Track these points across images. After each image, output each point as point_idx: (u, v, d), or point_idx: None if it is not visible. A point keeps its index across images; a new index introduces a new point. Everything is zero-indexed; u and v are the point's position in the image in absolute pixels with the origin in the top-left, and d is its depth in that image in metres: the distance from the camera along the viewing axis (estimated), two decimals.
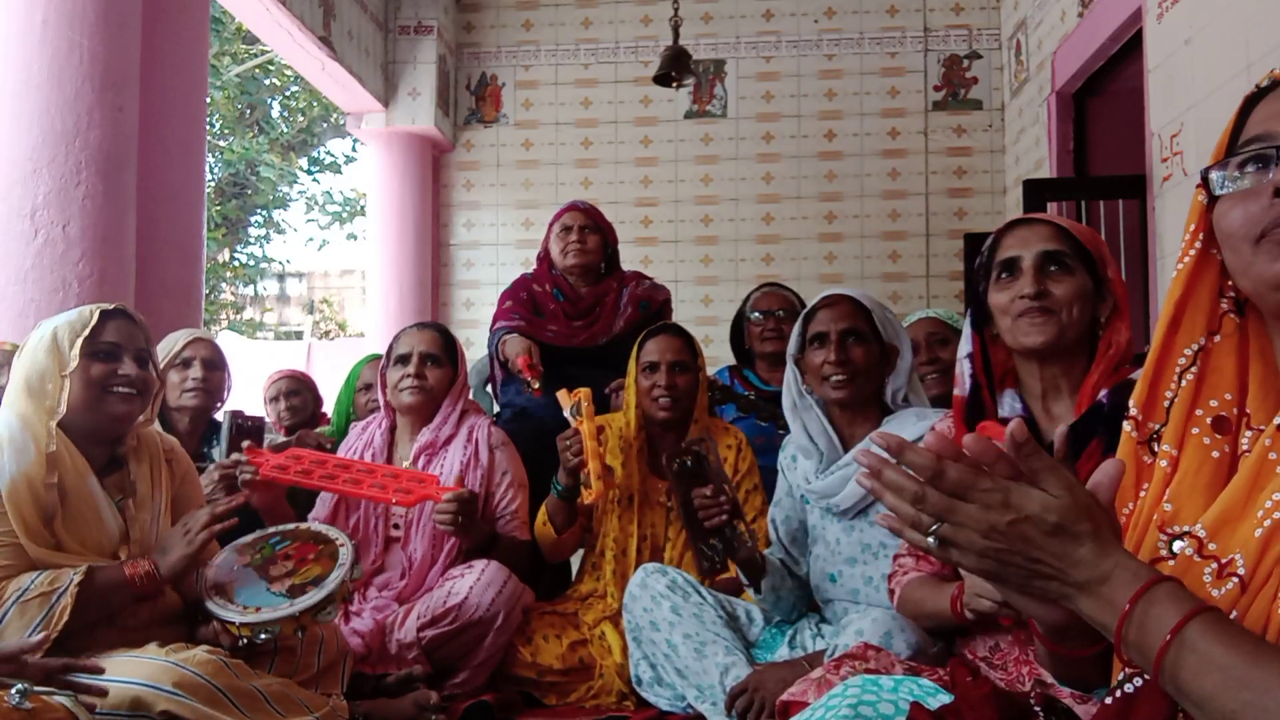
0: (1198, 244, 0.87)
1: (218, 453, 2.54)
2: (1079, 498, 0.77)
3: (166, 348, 2.64)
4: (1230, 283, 0.87)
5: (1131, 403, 0.90)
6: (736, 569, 2.09)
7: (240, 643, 1.82)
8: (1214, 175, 0.85)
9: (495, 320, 3.11)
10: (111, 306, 1.90)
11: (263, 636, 1.81)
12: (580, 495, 2.38)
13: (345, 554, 1.95)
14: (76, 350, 1.81)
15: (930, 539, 0.78)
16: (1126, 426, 0.90)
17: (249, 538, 2.03)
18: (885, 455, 0.79)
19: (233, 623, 1.81)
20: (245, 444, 2.34)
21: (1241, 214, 0.82)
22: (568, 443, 2.37)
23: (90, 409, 1.82)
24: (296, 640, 1.90)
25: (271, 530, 2.06)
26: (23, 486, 1.72)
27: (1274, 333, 0.85)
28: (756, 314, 3.15)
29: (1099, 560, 0.75)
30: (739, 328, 3.24)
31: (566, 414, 2.44)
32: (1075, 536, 0.76)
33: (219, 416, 2.65)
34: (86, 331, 1.83)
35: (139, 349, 1.90)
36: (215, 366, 2.66)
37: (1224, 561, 0.78)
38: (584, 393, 2.42)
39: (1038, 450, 0.78)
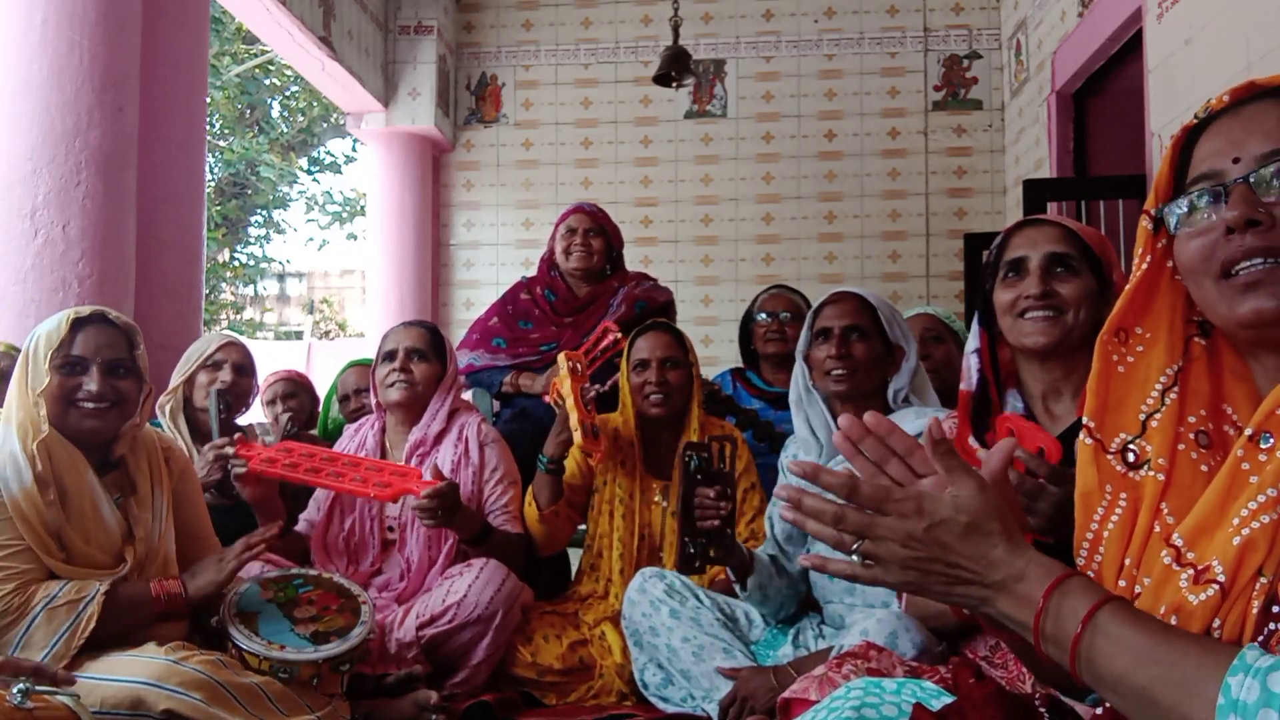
0: (1145, 264, 0.90)
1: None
2: (988, 497, 0.81)
3: (200, 349, 2.68)
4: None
5: (1086, 416, 0.91)
6: (726, 568, 2.10)
7: None
8: (1167, 212, 0.87)
9: (473, 344, 3.10)
10: (87, 312, 1.83)
11: (281, 675, 1.81)
12: (565, 471, 2.45)
13: (366, 612, 1.99)
14: (46, 366, 1.76)
15: (855, 557, 0.82)
16: (1082, 436, 0.91)
17: (273, 573, 2.07)
18: (803, 485, 0.84)
19: (255, 655, 1.81)
20: (236, 436, 2.35)
21: (1199, 250, 0.84)
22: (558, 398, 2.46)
23: (60, 423, 1.78)
24: (310, 685, 1.89)
25: (295, 571, 2.10)
26: (26, 503, 1.71)
27: (1245, 354, 0.87)
28: (763, 315, 3.12)
29: (1012, 559, 0.79)
30: (747, 328, 3.22)
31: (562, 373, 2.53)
32: (987, 535, 0.79)
33: (240, 420, 2.66)
34: (57, 344, 1.76)
35: (113, 359, 1.81)
36: (244, 372, 2.69)
37: (1200, 568, 0.79)
38: (576, 355, 2.54)
39: (952, 450, 0.82)
